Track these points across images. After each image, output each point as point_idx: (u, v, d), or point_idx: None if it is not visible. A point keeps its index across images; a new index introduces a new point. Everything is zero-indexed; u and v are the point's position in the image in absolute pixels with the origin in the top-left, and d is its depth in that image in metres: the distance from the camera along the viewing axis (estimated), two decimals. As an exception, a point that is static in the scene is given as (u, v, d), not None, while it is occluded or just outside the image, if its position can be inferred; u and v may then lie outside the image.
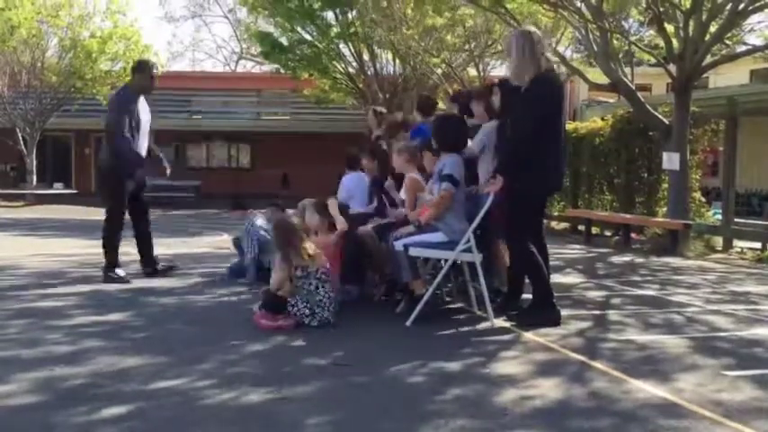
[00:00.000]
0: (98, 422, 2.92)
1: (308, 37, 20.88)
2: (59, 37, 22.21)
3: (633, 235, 10.80)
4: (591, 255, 9.50)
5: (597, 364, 3.86)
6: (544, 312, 4.80)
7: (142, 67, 6.75)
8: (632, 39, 12.30)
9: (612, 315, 5.31)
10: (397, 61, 20.17)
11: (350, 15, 20.03)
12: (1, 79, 21.77)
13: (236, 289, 6.08)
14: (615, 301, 5.97)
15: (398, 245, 4.82)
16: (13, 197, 21.14)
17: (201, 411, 3.08)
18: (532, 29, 4.99)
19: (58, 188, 23.44)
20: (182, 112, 26.61)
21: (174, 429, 2.91)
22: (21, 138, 21.99)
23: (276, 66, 22.05)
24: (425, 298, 4.75)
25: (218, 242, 10.63)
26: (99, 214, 19.16)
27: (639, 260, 8.90)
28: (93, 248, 9.64)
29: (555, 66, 5.18)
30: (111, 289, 6.04)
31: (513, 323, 4.76)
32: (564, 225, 12.93)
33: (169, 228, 14.22)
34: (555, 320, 4.77)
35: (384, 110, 8.36)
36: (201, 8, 43.00)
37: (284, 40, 21.23)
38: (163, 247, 9.66)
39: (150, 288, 6.08)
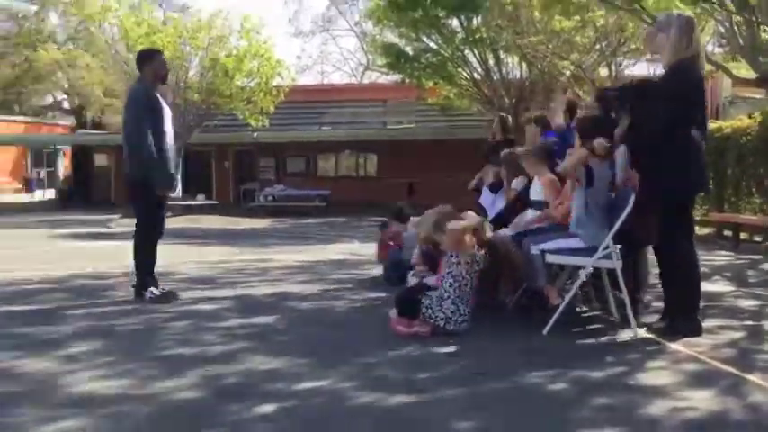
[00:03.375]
0: (251, 419, 3.10)
1: (432, 45, 21.05)
2: (200, 57, 23.70)
3: (787, 240, 10.03)
4: (740, 261, 8.91)
5: (753, 377, 3.64)
6: (687, 322, 4.54)
7: (152, 55, 6.08)
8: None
9: (767, 325, 4.97)
10: (524, 65, 19.88)
11: (475, 21, 19.99)
12: (150, 99, 23.52)
13: (372, 294, 6.25)
14: (770, 310, 5.58)
15: (535, 249, 4.76)
16: (162, 208, 22.68)
17: (347, 412, 3.20)
18: (690, 15, 4.76)
19: (201, 200, 24.96)
20: (312, 125, 27.60)
21: (321, 429, 3.04)
22: (168, 153, 23.63)
23: (401, 75, 22.37)
24: (562, 306, 4.66)
25: (352, 249, 10.93)
26: (237, 224, 20.20)
27: (796, 267, 8.26)
28: (236, 256, 10.25)
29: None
30: (257, 294, 6.39)
31: (656, 334, 4.56)
32: (708, 230, 12.20)
33: (305, 235, 14.82)
34: (696, 331, 4.50)
35: (509, 117, 8.36)
36: (329, 22, 44.43)
37: (409, 50, 21.52)
38: (300, 254, 10.12)
39: (291, 293, 6.38)
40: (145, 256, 6.08)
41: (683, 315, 4.58)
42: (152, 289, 5.97)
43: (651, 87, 4.73)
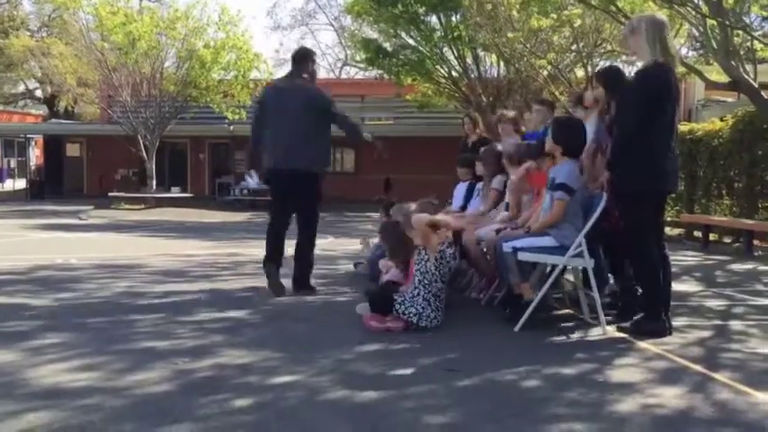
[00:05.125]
0: (224, 412, 3.08)
1: (411, 42, 21.06)
2: (176, 48, 23.43)
3: (756, 242, 10.20)
4: (709, 262, 9.06)
5: (719, 375, 3.70)
6: (651, 323, 4.57)
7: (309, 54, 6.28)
8: (755, 34, 11.62)
9: (734, 325, 5.06)
10: (502, 64, 19.97)
11: (454, 19, 20.04)
12: (125, 89, 23.22)
13: (345, 289, 6.25)
14: (737, 310, 5.68)
15: (507, 247, 4.79)
16: (135, 200, 22.50)
17: (320, 406, 3.20)
18: (662, 17, 4.78)
19: (175, 192, 24.72)
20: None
21: (294, 422, 3.03)
22: (142, 144, 23.35)
23: (380, 71, 22.34)
24: (534, 304, 4.69)
25: (326, 244, 10.89)
26: (212, 217, 19.95)
27: (763, 268, 8.41)
28: (209, 249, 10.17)
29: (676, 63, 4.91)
30: (230, 288, 6.35)
31: (623, 333, 4.60)
32: (678, 231, 12.39)
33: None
34: (660, 332, 4.53)
35: (478, 116, 8.38)
36: (308, 17, 44.23)
37: (388, 46, 21.52)
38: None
39: (265, 287, 6.33)
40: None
41: (647, 316, 4.63)
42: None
43: (625, 90, 4.79)
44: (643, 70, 4.55)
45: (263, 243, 6.20)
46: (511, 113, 7.06)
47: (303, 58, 6.17)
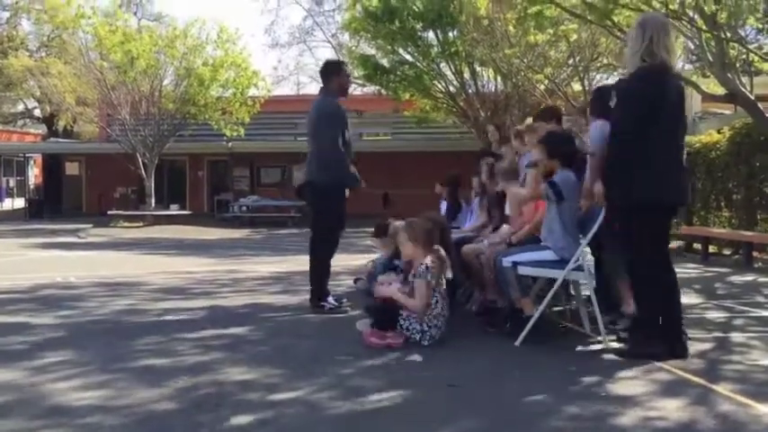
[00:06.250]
0: (226, 430, 3.07)
1: (409, 58, 21.18)
2: (175, 66, 23.54)
3: (755, 254, 10.21)
4: (708, 274, 9.07)
5: (720, 388, 3.70)
6: (648, 344, 4.29)
7: (339, 68, 6.39)
8: (750, 47, 11.71)
9: (735, 337, 5.06)
10: (499, 79, 20.09)
11: (451, 35, 20.17)
12: (123, 108, 23.30)
13: (345, 305, 6.25)
14: (737, 322, 5.68)
15: (506, 261, 4.80)
16: (134, 218, 22.51)
17: (321, 422, 3.19)
18: (659, 16, 4.62)
19: (174, 209, 24.74)
20: (287, 135, 27.50)
21: (296, 439, 3.04)
22: (141, 162, 23.39)
23: (378, 87, 22.45)
24: (534, 318, 4.70)
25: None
26: (211, 234, 19.96)
27: (763, 280, 8.41)
28: (209, 266, 10.18)
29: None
30: (231, 304, 6.35)
31: (621, 350, 4.47)
32: (678, 243, 12.40)
33: (279, 246, 14.75)
34: (656, 356, 4.20)
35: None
36: (306, 34, 44.43)
37: (385, 62, 21.64)
38: (275, 265, 10.07)
39: (265, 304, 6.35)
40: (326, 266, 6.08)
41: (646, 336, 4.37)
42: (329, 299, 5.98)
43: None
44: (633, 74, 4.30)
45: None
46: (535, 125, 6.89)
47: (323, 73, 6.34)
